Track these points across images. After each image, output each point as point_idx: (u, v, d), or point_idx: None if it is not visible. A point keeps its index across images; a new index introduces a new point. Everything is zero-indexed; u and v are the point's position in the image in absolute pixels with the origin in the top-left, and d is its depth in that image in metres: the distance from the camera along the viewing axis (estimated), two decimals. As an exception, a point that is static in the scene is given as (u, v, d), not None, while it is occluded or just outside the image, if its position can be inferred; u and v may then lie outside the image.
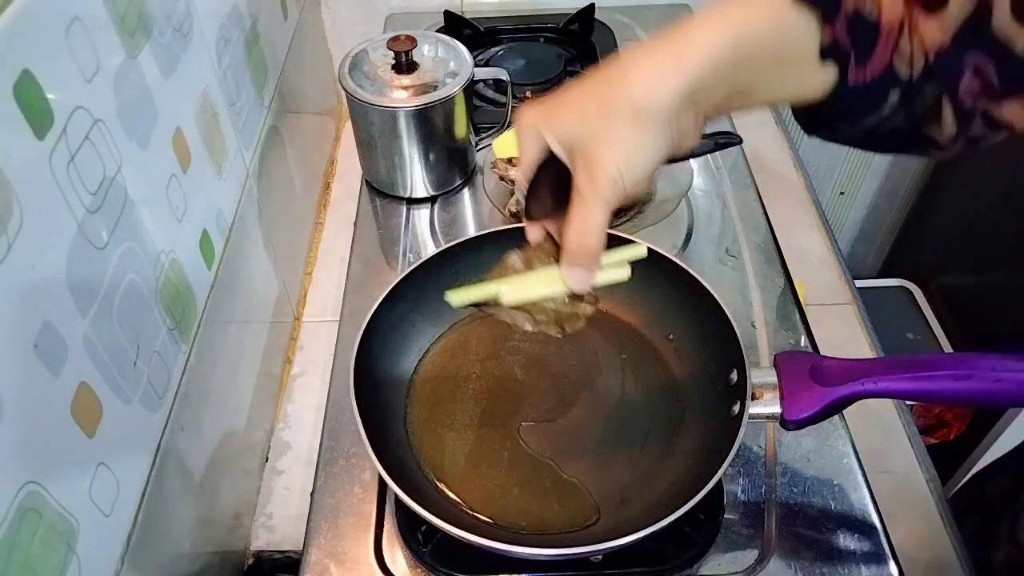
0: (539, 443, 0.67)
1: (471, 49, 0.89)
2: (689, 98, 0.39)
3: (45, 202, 0.41)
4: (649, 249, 0.72)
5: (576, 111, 0.42)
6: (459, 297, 0.51)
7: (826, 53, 0.38)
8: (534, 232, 0.50)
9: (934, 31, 0.37)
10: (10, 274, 0.37)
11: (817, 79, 0.39)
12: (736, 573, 0.61)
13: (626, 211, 0.88)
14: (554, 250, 0.49)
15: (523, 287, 0.49)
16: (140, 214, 0.51)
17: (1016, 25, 0.35)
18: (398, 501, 0.61)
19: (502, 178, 0.89)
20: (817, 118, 0.43)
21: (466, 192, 0.94)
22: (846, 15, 0.37)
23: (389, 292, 0.69)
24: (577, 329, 0.51)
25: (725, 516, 0.63)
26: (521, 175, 0.47)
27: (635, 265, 0.73)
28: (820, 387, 0.57)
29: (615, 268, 0.51)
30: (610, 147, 0.40)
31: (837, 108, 0.41)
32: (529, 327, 0.50)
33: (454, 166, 0.92)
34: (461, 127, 0.88)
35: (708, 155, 0.96)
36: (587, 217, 0.43)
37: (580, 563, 0.60)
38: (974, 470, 0.80)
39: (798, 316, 0.79)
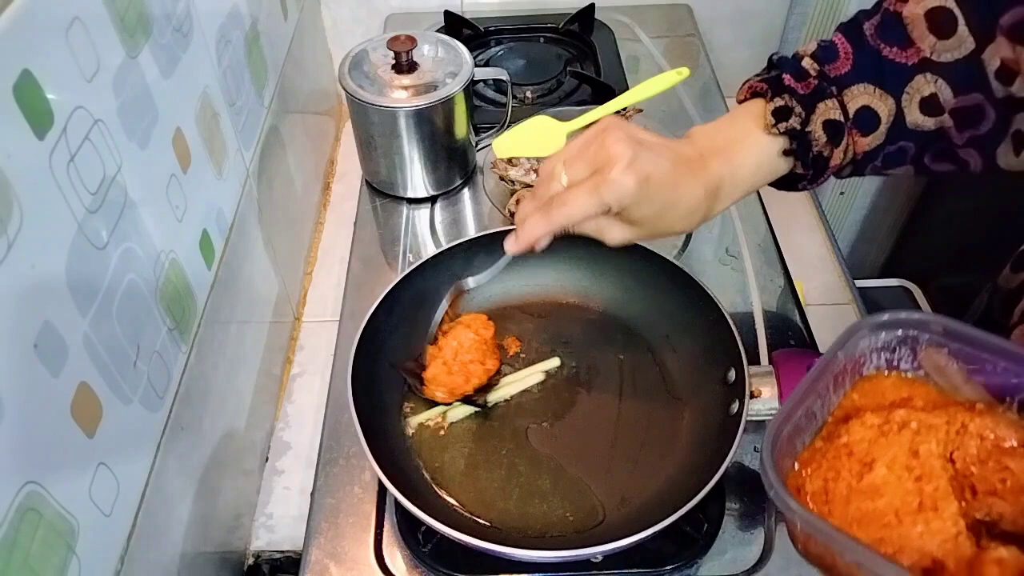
0: (538, 444, 0.67)
1: (471, 49, 0.89)
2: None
3: (45, 202, 0.41)
4: (646, 249, 0.72)
5: (642, 210, 0.51)
6: (417, 418, 0.69)
7: (793, 177, 0.56)
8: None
9: (865, 144, 0.54)
10: (10, 274, 0.38)
11: (775, 179, 0.57)
12: (736, 573, 0.61)
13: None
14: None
15: (457, 411, 0.69)
16: (140, 214, 0.51)
17: (923, 116, 0.52)
18: (398, 502, 0.61)
19: (502, 178, 0.89)
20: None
21: (466, 192, 0.94)
22: (811, 159, 0.54)
23: (389, 292, 0.69)
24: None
25: (725, 516, 0.63)
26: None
27: (633, 266, 0.74)
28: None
29: (532, 377, 0.71)
30: (634, 238, 0.54)
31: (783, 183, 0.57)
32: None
33: (454, 166, 0.92)
34: (461, 127, 0.89)
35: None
36: (577, 201, 0.50)
37: (580, 563, 0.60)
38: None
39: (798, 316, 0.79)
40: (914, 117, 0.52)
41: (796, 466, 0.42)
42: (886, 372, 0.45)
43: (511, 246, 0.54)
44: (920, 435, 0.40)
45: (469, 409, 0.68)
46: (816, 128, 0.53)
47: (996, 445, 0.40)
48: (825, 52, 0.53)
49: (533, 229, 0.52)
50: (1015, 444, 0.39)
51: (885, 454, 0.40)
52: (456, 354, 0.68)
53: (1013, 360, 0.40)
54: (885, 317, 0.43)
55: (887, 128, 0.53)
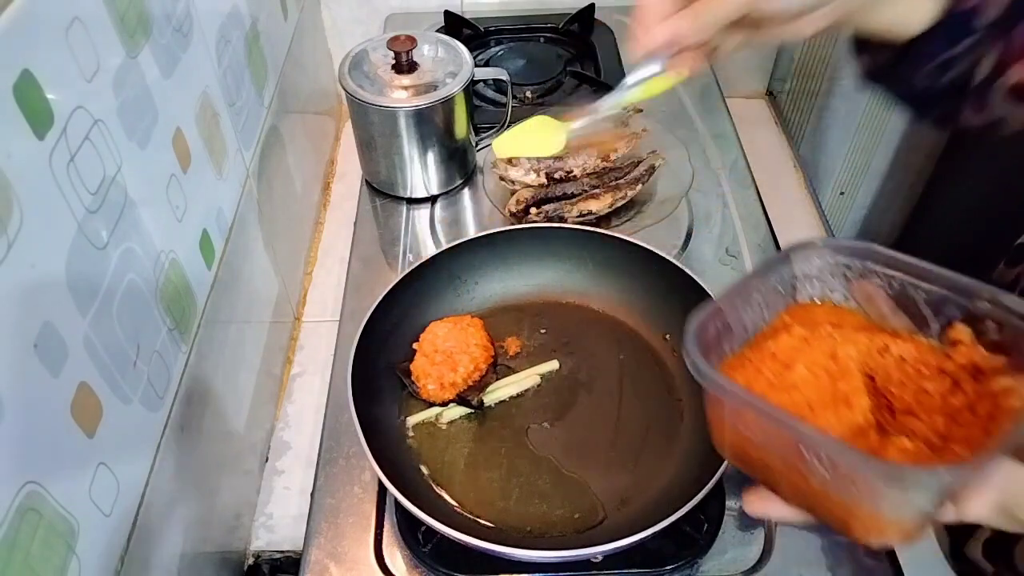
0: (538, 444, 0.67)
1: (471, 49, 0.89)
2: None
3: (45, 202, 0.41)
4: (644, 249, 0.72)
5: None
6: (415, 419, 0.68)
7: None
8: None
9: None
10: (10, 274, 0.38)
11: (921, 12, 0.46)
12: (736, 573, 0.61)
13: (626, 210, 0.88)
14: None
15: (452, 411, 0.68)
16: (140, 214, 0.51)
17: None
18: (398, 502, 0.61)
19: (502, 178, 0.89)
20: (895, 62, 0.49)
21: (466, 192, 0.94)
22: None
23: (388, 292, 0.69)
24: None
25: (725, 516, 0.63)
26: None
27: (633, 266, 0.74)
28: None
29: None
30: None
31: (923, 43, 0.47)
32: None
33: (454, 166, 0.92)
34: (461, 127, 0.89)
35: (707, 155, 0.96)
36: (713, 10, 0.42)
37: (580, 563, 0.60)
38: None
39: (798, 316, 0.79)
40: None
41: (721, 367, 0.43)
42: (819, 301, 0.46)
43: (638, 49, 0.44)
44: (841, 344, 0.42)
45: (464, 409, 0.68)
46: None
47: (915, 368, 0.41)
48: None
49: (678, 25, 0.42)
50: (934, 368, 0.41)
51: (806, 357, 0.42)
52: (434, 345, 0.69)
53: (936, 282, 0.42)
54: (818, 242, 0.45)
55: None
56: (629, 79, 0.48)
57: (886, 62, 0.50)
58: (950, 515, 0.37)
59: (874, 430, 0.39)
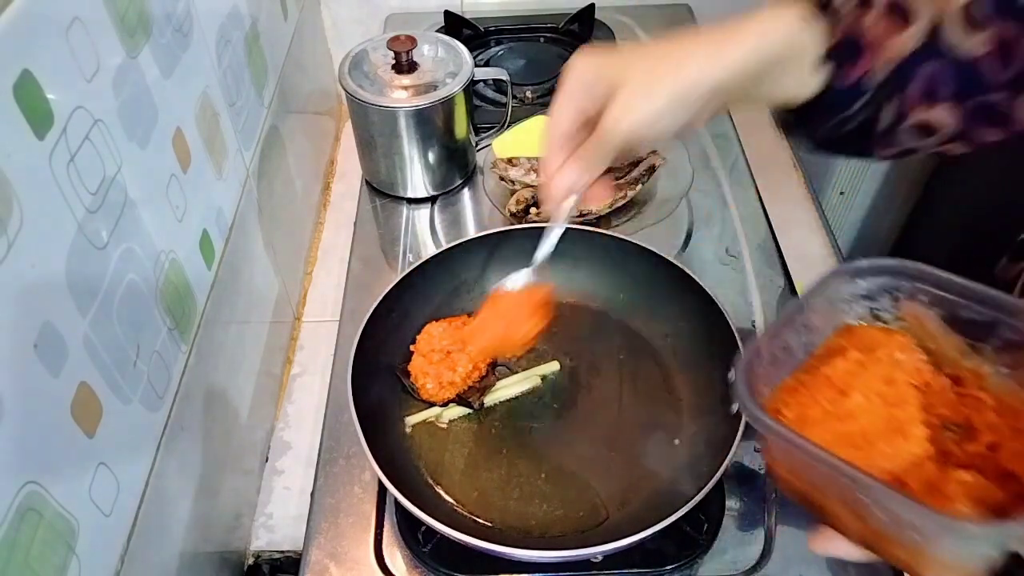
0: (539, 444, 0.67)
1: (471, 49, 0.89)
2: (716, 91, 0.47)
3: (45, 202, 0.41)
4: (645, 249, 0.72)
5: (631, 66, 0.48)
6: (414, 419, 0.68)
7: (825, 59, 0.47)
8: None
9: (899, 46, 0.46)
10: (10, 274, 0.38)
11: (807, 85, 0.48)
12: (736, 573, 0.61)
13: (626, 210, 0.88)
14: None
15: (452, 411, 0.69)
16: (140, 214, 0.51)
17: (963, 34, 0.45)
18: (398, 502, 0.61)
19: (502, 178, 0.89)
20: (796, 121, 0.52)
21: (466, 192, 0.94)
22: (842, 31, 0.47)
23: (388, 293, 0.69)
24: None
25: (725, 516, 0.63)
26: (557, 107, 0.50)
27: (633, 266, 0.74)
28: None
29: (528, 380, 0.71)
30: (644, 102, 0.47)
31: (818, 107, 0.49)
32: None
33: (454, 166, 0.92)
34: (461, 127, 0.89)
35: (707, 155, 0.96)
36: (594, 153, 0.49)
37: (580, 563, 0.60)
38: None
39: (798, 316, 0.79)
40: (954, 31, 0.45)
41: (775, 394, 0.43)
42: (869, 323, 0.46)
43: (547, 202, 0.52)
44: (897, 367, 0.42)
45: (464, 409, 0.68)
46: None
47: (970, 393, 0.41)
48: None
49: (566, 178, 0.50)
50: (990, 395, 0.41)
51: (861, 383, 0.41)
52: (430, 345, 0.69)
53: (987, 304, 0.42)
54: (864, 263, 0.45)
55: (923, 30, 0.46)
56: (552, 233, 0.57)
57: (792, 119, 0.52)
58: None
59: (931, 461, 0.38)
